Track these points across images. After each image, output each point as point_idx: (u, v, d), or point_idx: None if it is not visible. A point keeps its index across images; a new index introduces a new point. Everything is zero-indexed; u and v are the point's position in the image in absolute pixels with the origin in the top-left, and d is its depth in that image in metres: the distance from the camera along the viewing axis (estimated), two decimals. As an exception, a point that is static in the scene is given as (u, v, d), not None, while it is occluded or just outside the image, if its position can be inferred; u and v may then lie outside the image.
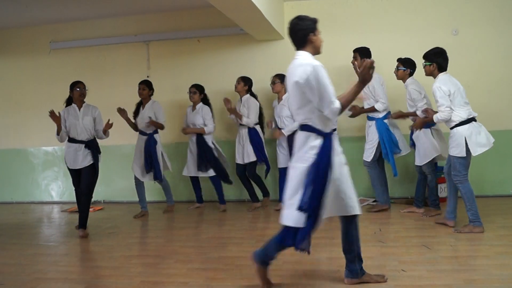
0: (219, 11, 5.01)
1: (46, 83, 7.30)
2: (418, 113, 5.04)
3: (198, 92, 6.00)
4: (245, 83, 5.96)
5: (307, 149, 3.07)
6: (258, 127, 5.98)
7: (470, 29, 6.13)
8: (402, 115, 5.34)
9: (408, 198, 6.06)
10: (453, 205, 4.64)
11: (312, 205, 2.98)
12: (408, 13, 6.26)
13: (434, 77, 4.58)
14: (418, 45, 6.11)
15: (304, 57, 3.09)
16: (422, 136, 5.11)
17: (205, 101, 6.06)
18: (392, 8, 6.31)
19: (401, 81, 5.29)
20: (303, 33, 3.13)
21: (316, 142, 3.06)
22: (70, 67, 7.16)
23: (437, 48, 4.62)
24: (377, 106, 5.37)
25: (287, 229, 3.10)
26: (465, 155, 4.38)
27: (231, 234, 4.95)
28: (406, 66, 5.19)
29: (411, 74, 5.21)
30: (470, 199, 4.41)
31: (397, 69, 5.25)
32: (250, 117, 5.87)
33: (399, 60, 5.28)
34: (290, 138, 5.24)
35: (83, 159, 5.06)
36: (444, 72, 4.55)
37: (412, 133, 5.29)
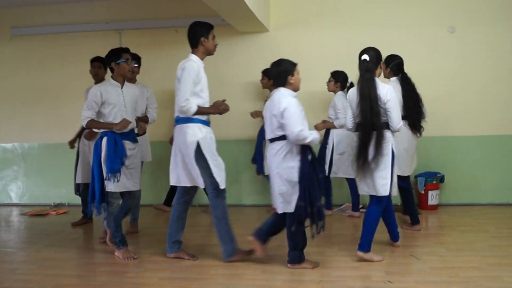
0: (199, -1, 4.80)
1: (6, 72, 6.92)
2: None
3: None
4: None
5: None
6: None
7: (468, 27, 6.05)
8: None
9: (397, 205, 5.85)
10: None
11: None
12: (402, 7, 6.14)
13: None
14: (411, 41, 6.09)
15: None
16: None
17: None
18: (385, 2, 6.18)
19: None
20: None
21: None
22: (34, 56, 6.83)
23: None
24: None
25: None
26: None
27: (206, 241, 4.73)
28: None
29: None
30: None
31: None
32: None
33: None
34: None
35: None
36: None
37: None
